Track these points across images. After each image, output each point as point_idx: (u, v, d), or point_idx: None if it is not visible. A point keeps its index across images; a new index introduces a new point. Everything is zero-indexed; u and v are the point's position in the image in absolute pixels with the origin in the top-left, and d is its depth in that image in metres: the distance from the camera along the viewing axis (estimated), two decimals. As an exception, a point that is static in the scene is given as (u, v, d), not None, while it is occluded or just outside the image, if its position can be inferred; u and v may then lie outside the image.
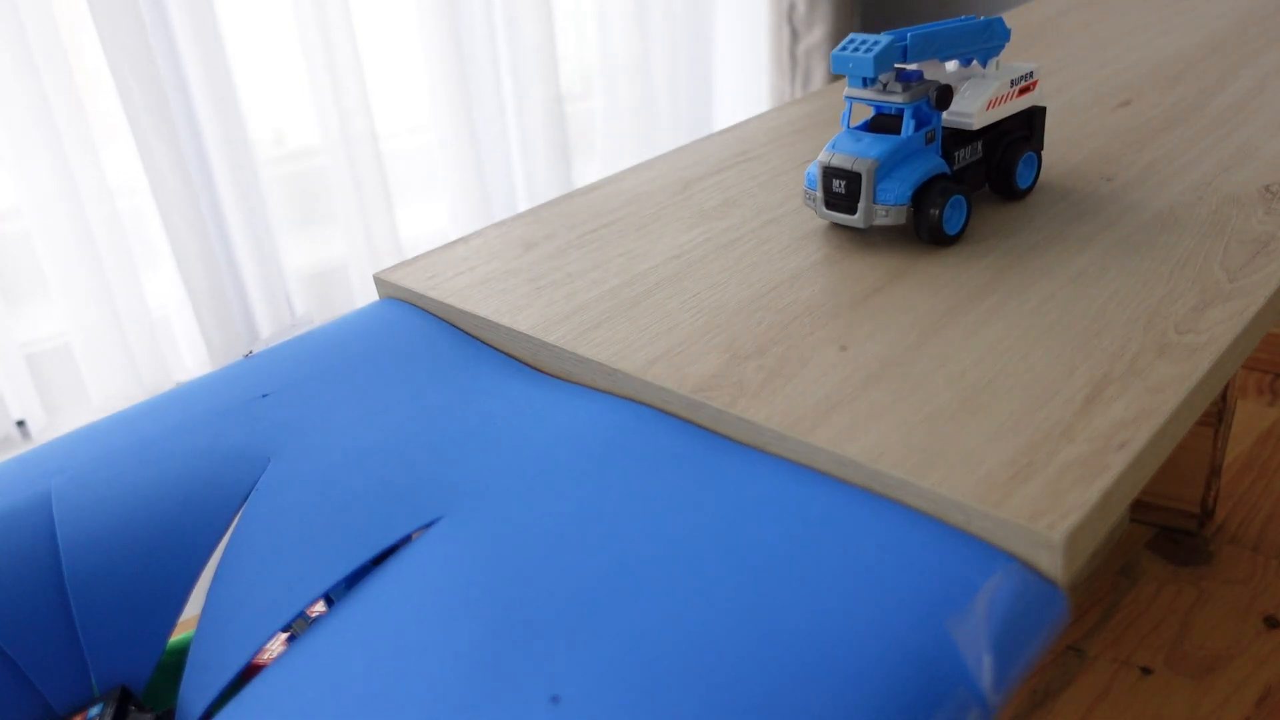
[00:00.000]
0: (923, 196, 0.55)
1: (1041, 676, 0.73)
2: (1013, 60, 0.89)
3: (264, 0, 1.39)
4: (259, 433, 0.49)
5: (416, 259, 0.62)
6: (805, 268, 0.55)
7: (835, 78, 1.99)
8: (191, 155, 1.33)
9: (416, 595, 0.39)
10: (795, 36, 1.96)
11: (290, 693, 0.37)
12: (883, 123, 0.57)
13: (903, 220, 0.54)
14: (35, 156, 1.20)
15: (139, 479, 0.48)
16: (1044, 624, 0.34)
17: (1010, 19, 1.04)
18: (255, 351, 0.63)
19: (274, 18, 1.40)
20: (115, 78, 1.24)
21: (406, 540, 0.42)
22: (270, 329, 1.45)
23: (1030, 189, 0.61)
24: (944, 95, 0.54)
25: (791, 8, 1.93)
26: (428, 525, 0.42)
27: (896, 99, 0.54)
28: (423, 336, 0.55)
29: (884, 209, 0.54)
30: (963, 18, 0.58)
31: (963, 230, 0.56)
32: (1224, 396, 0.80)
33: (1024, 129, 0.61)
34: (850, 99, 0.56)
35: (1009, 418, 0.41)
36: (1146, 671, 0.72)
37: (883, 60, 0.52)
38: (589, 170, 1.80)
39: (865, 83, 0.54)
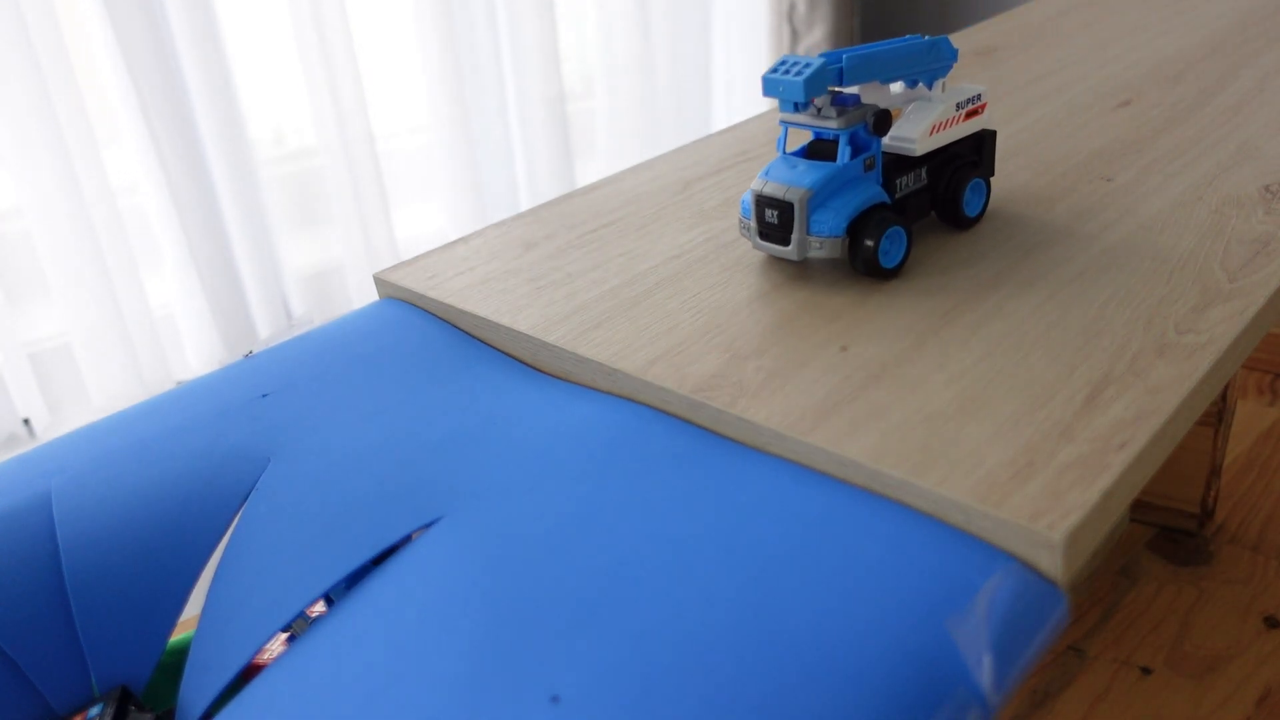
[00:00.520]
0: (859, 228, 0.51)
1: (1041, 676, 0.73)
2: (1015, 59, 0.89)
3: (263, 0, 1.38)
4: (259, 433, 0.49)
5: (416, 259, 0.62)
6: (805, 268, 0.55)
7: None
8: (192, 155, 1.33)
9: (416, 595, 0.39)
10: (795, 36, 1.96)
11: (290, 693, 0.37)
12: (820, 148, 0.54)
13: (838, 253, 0.52)
14: (37, 156, 1.20)
15: (139, 479, 0.48)
16: (1044, 624, 0.34)
17: (1010, 19, 1.04)
18: (255, 352, 0.63)
19: (273, 18, 1.40)
20: (118, 78, 1.24)
21: (406, 540, 0.42)
22: (270, 329, 1.45)
23: (979, 217, 0.58)
24: (882, 120, 0.51)
25: (791, 8, 1.93)
26: (428, 525, 0.42)
27: (831, 124, 0.51)
28: (423, 336, 0.55)
29: (818, 241, 0.51)
30: (908, 37, 0.55)
31: (902, 264, 0.53)
32: (1224, 396, 0.80)
33: (973, 154, 0.58)
34: (785, 123, 0.54)
35: (1009, 418, 0.41)
36: (1146, 671, 0.72)
37: (814, 84, 0.49)
38: (591, 170, 1.81)
39: (797, 107, 0.51)
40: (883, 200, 0.52)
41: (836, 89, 0.52)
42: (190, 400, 0.53)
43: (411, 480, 0.45)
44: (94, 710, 0.44)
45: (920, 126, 0.54)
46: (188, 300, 1.37)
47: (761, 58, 1.95)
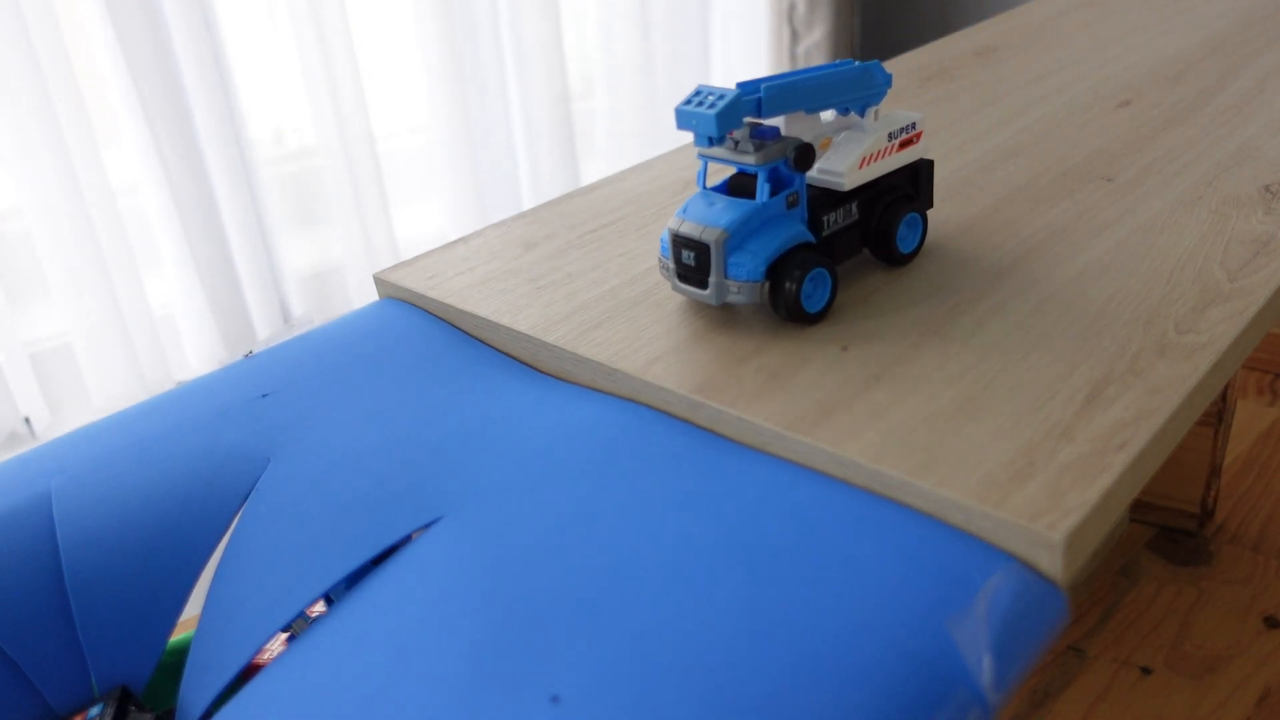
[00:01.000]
0: (780, 270, 0.47)
1: (1041, 676, 0.73)
2: (1015, 59, 0.89)
3: (263, 0, 1.39)
4: (259, 433, 0.49)
5: (416, 259, 0.62)
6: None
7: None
8: (192, 155, 1.33)
9: (416, 595, 0.39)
10: (795, 36, 1.96)
11: (290, 693, 0.37)
12: (742, 183, 0.50)
13: (758, 298, 0.48)
14: (37, 156, 1.20)
15: (139, 479, 0.48)
16: (1044, 624, 0.34)
17: (1010, 19, 1.04)
18: (255, 352, 0.63)
19: (273, 18, 1.40)
20: (118, 78, 1.24)
21: (406, 540, 0.42)
22: (270, 329, 1.45)
23: (915, 253, 0.54)
24: (804, 155, 0.47)
25: (791, 8, 1.93)
26: (428, 525, 0.42)
27: (748, 160, 0.47)
28: (422, 336, 0.55)
29: (736, 285, 0.47)
30: (839, 62, 0.51)
31: (828, 307, 0.49)
32: (1224, 396, 0.80)
33: (908, 186, 0.54)
34: (703, 157, 0.49)
35: (1009, 418, 0.41)
36: (1146, 671, 0.72)
37: (728, 117, 0.45)
38: (593, 170, 1.81)
39: (712, 141, 0.46)
40: (806, 240, 0.48)
41: (755, 121, 0.48)
42: (190, 400, 0.53)
43: (411, 480, 0.45)
44: (94, 710, 0.44)
45: (849, 159, 0.50)
46: (188, 300, 1.37)
47: (761, 58, 1.95)
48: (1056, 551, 0.35)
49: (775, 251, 0.47)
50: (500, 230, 0.65)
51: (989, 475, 0.38)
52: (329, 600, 0.47)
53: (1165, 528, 0.86)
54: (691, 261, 0.48)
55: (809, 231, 0.49)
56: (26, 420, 1.29)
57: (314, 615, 0.48)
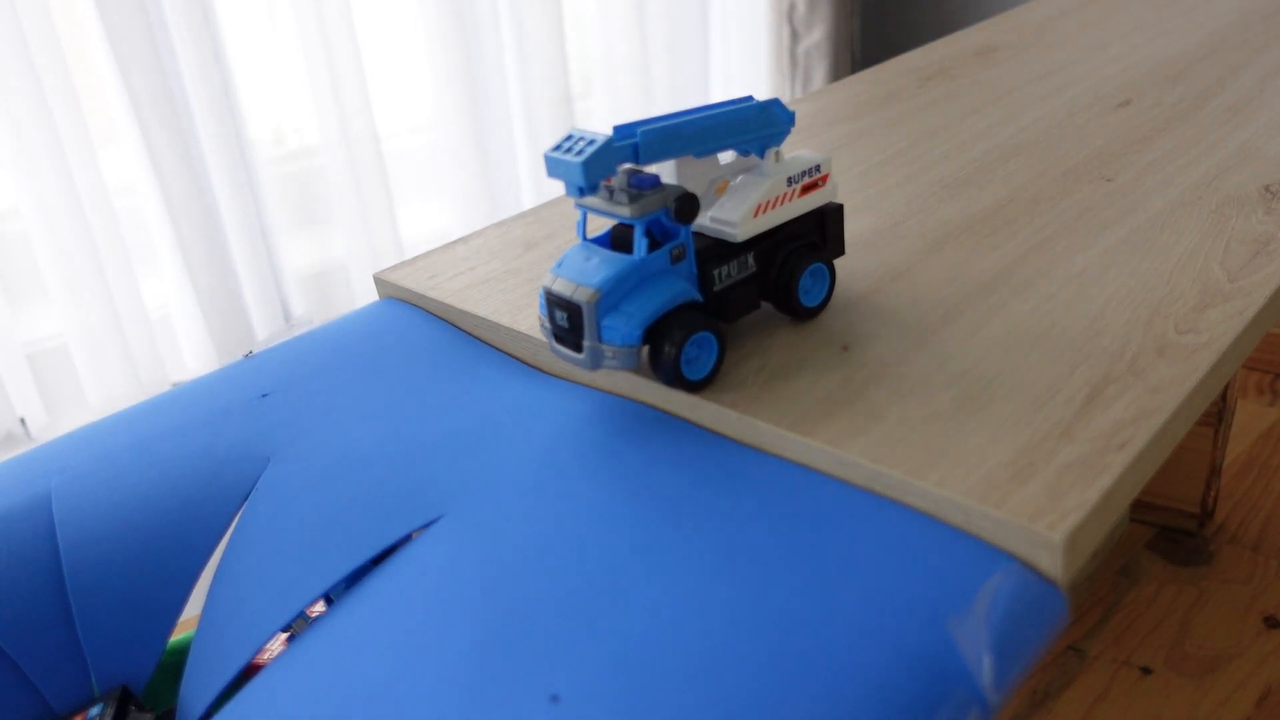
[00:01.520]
0: (659, 332, 0.43)
1: (1041, 676, 0.73)
2: (1015, 59, 0.89)
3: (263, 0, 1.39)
4: (259, 433, 0.49)
5: (416, 259, 0.62)
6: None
7: (836, 77, 2.00)
8: (190, 156, 1.33)
9: (416, 595, 0.39)
10: (795, 36, 1.96)
11: (290, 693, 0.37)
12: (624, 234, 0.45)
13: (634, 363, 0.43)
14: (34, 157, 1.20)
15: (139, 479, 0.48)
16: (1044, 624, 0.34)
17: (1010, 19, 1.04)
18: (255, 352, 0.63)
19: (274, 16, 1.40)
20: (114, 77, 1.24)
21: (406, 540, 0.42)
22: (270, 329, 1.45)
23: (822, 306, 0.49)
24: (686, 206, 0.42)
25: (791, 8, 1.93)
26: (428, 525, 0.42)
27: (623, 211, 0.42)
28: (423, 336, 0.55)
29: (611, 350, 0.42)
30: (737, 99, 0.46)
31: (714, 373, 0.45)
32: (1224, 396, 0.80)
33: (813, 234, 0.49)
34: (580, 207, 0.44)
35: (1009, 418, 0.41)
36: (1146, 671, 0.72)
37: (596, 165, 0.40)
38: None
39: (582, 191, 0.40)
40: (691, 298, 0.43)
41: (635, 168, 0.43)
42: (190, 400, 0.53)
43: (411, 480, 0.45)
44: (94, 710, 0.44)
45: (743, 207, 0.45)
46: (185, 301, 1.37)
47: (761, 58, 1.95)
48: (1056, 551, 0.35)
49: (653, 313, 0.42)
50: (500, 230, 0.65)
51: (989, 475, 0.38)
52: (329, 600, 0.47)
53: (1165, 528, 0.86)
54: (565, 323, 0.43)
55: (695, 289, 0.44)
56: (22, 421, 1.29)
57: (314, 615, 0.48)
